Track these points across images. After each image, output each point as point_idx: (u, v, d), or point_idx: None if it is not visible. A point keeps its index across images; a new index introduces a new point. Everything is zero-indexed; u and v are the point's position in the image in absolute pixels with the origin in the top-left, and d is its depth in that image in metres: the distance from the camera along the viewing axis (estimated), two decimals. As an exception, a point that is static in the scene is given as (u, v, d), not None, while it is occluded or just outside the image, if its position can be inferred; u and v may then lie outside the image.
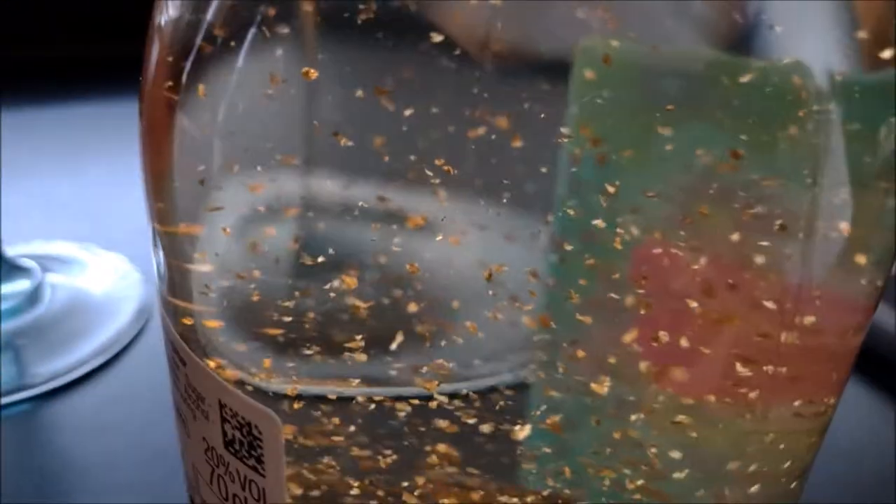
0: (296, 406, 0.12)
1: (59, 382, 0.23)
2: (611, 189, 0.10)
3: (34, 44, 0.43)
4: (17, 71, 0.36)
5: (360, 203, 0.11)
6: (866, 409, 0.25)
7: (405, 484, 0.12)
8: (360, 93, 0.10)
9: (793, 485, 0.13)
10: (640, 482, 0.12)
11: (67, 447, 0.23)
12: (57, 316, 0.25)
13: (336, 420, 0.12)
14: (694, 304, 0.11)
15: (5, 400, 0.23)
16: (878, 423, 0.25)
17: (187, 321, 0.12)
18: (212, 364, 0.12)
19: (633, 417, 0.12)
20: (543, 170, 0.11)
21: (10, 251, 0.27)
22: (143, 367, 0.24)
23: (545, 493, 0.12)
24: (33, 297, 0.25)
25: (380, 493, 0.12)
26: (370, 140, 0.11)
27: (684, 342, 0.11)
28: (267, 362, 0.11)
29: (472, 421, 0.12)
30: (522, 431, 0.12)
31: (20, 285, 0.25)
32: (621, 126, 0.10)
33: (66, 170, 0.37)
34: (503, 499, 0.12)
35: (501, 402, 0.12)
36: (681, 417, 0.12)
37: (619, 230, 0.11)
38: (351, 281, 0.11)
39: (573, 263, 0.11)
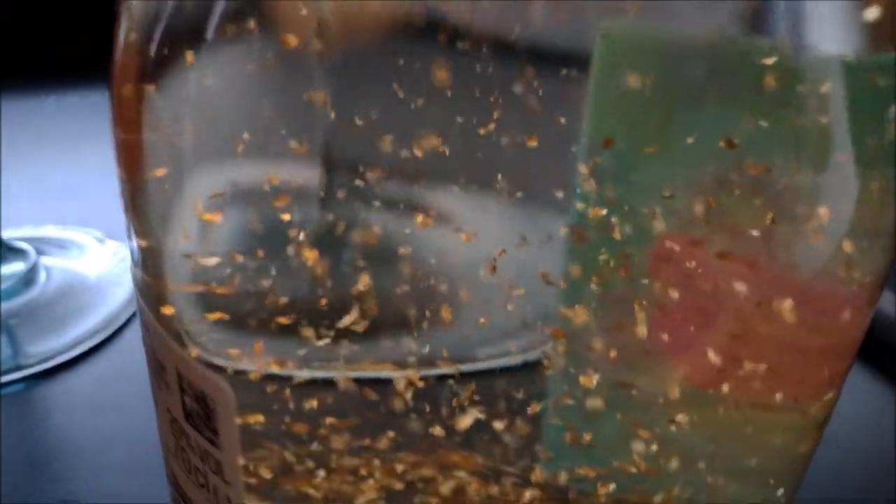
0: (256, 382, 0.11)
1: (52, 363, 0.23)
2: (629, 178, 0.10)
3: (33, 34, 0.43)
4: (16, 58, 0.36)
5: (355, 183, 0.11)
6: (869, 398, 0.25)
7: (375, 465, 0.12)
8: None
9: (780, 491, 0.13)
10: (631, 478, 0.12)
11: (61, 427, 0.23)
12: (51, 298, 0.25)
13: (308, 402, 0.12)
14: (708, 296, 0.11)
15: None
16: (881, 412, 0.24)
17: (167, 310, 0.12)
18: (193, 353, 0.12)
19: (631, 410, 0.11)
20: (558, 159, 0.10)
21: (9, 234, 0.27)
22: (136, 349, 0.24)
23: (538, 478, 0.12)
24: (27, 278, 0.25)
25: (348, 475, 0.12)
26: (358, 122, 0.11)
27: (683, 333, 0.11)
28: (257, 346, 0.11)
29: (459, 406, 0.11)
30: (464, 420, 0.11)
31: (14, 267, 0.25)
32: (642, 113, 0.10)
33: (69, 155, 0.37)
34: (472, 478, 0.12)
35: (486, 390, 0.11)
36: (679, 416, 0.12)
37: (636, 221, 0.10)
38: (311, 255, 0.11)
39: (588, 254, 0.11)
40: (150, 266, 0.13)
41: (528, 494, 0.12)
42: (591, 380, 0.11)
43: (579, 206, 0.11)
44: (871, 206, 0.11)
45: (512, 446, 0.12)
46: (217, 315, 0.12)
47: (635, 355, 0.11)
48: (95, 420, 0.23)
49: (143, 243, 0.12)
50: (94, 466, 0.22)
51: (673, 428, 0.12)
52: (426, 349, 0.11)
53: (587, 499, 0.12)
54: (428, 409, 0.12)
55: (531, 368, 0.12)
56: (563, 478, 0.12)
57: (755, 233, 0.11)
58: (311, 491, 0.12)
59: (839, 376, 0.12)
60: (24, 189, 0.32)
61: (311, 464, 0.12)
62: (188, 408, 0.12)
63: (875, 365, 0.26)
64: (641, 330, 0.11)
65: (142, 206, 0.12)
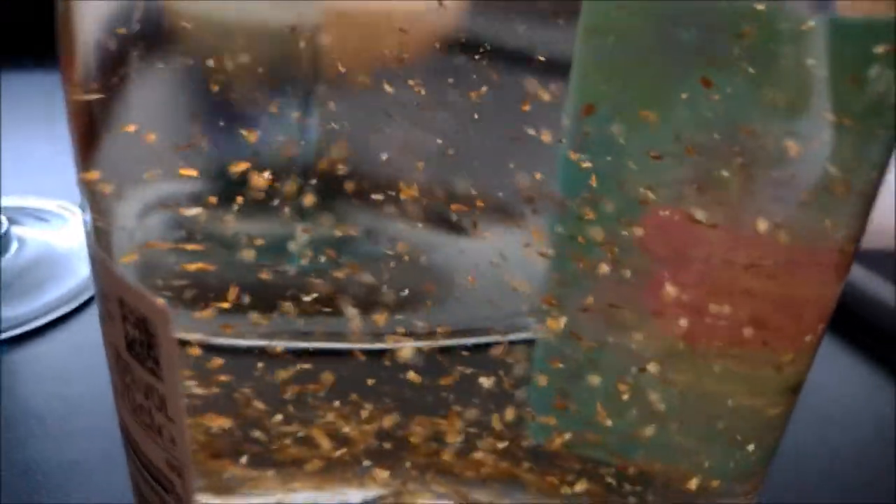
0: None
1: (20, 331, 0.23)
2: (614, 142, 0.10)
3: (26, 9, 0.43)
4: (10, 34, 0.36)
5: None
6: (867, 385, 0.25)
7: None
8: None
9: (750, 446, 0.13)
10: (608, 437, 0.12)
11: (26, 395, 0.22)
12: (23, 267, 0.25)
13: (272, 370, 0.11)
14: (687, 248, 0.11)
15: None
16: (879, 400, 0.24)
17: (128, 259, 0.12)
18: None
19: (610, 368, 0.11)
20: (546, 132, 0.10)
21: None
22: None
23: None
24: (-3, 246, 0.25)
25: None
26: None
27: (665, 287, 0.11)
28: (232, 292, 0.11)
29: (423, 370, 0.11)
30: (404, 351, 0.11)
31: (-16, 235, 0.25)
32: (627, 76, 0.10)
33: (58, 131, 0.36)
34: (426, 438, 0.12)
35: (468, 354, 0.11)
36: (653, 367, 0.11)
37: (621, 184, 0.10)
38: (260, 179, 0.11)
39: (574, 218, 0.11)
40: (107, 219, 0.12)
41: (499, 446, 0.12)
42: (579, 342, 0.11)
43: (566, 170, 0.10)
44: (847, 163, 0.11)
45: (497, 408, 0.12)
46: (199, 265, 0.11)
47: (620, 313, 0.11)
48: (61, 388, 0.23)
49: (107, 190, 0.12)
50: (56, 434, 0.21)
51: (647, 381, 0.11)
52: (405, 318, 0.11)
53: (561, 456, 0.12)
54: (403, 373, 0.11)
55: (518, 340, 0.12)
56: (545, 437, 0.12)
57: (734, 185, 0.10)
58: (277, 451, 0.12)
59: (809, 328, 0.12)
60: (24, 161, 0.32)
61: (278, 427, 0.12)
62: (130, 336, 0.11)
63: (873, 354, 0.25)
64: (621, 280, 0.11)
65: (104, 163, 0.12)
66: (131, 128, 0.11)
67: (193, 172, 0.11)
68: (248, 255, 0.11)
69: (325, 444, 0.12)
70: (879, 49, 0.10)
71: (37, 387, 0.22)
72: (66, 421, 0.22)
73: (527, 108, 0.10)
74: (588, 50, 0.10)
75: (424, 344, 0.11)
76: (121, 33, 0.11)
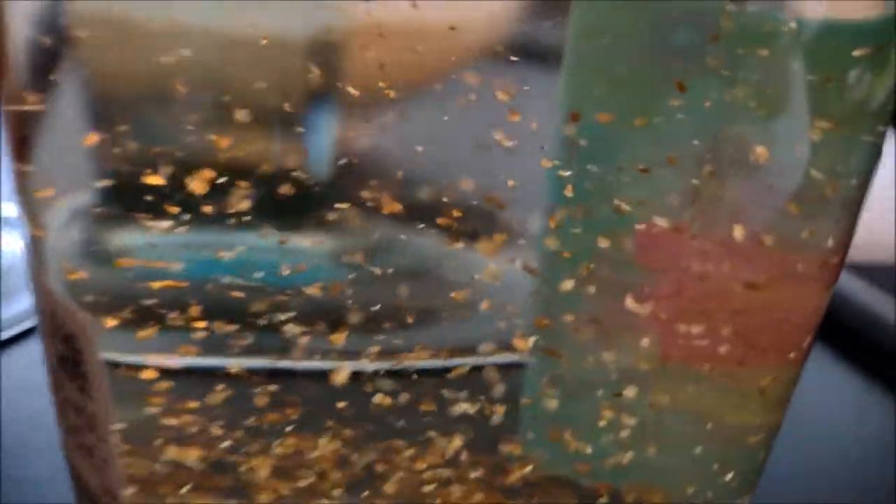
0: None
1: (-10, 340, 0.22)
2: (602, 152, 0.10)
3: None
4: None
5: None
6: (867, 401, 0.24)
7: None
8: None
9: (729, 476, 0.12)
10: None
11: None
12: (-6, 275, 0.24)
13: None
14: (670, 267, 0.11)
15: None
16: (880, 415, 0.24)
17: (74, 274, 0.11)
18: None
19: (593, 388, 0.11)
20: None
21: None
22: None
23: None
24: (-31, 253, 0.24)
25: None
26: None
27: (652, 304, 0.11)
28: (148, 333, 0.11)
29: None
30: (340, 375, 0.11)
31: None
32: (620, 83, 0.10)
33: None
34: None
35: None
36: (629, 391, 0.11)
37: (610, 196, 0.10)
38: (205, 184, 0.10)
39: (564, 234, 0.10)
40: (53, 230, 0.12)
41: (483, 474, 0.11)
42: (563, 362, 0.11)
43: (554, 180, 0.10)
44: (831, 170, 0.11)
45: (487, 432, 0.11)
46: (167, 283, 0.11)
47: (611, 330, 0.11)
48: (26, 400, 0.22)
49: (45, 200, 0.12)
50: (17, 444, 0.21)
51: (641, 404, 0.11)
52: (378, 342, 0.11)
53: (550, 483, 0.12)
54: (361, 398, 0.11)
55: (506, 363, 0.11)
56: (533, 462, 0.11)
57: (725, 194, 0.10)
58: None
59: (791, 346, 0.12)
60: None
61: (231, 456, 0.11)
62: (60, 352, 0.11)
63: (873, 369, 0.25)
64: (612, 296, 0.11)
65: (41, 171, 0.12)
66: (94, 139, 0.11)
67: (158, 180, 0.10)
68: (208, 269, 0.11)
69: (293, 473, 0.11)
70: (861, 52, 0.10)
71: (2, 399, 0.22)
72: (27, 434, 0.21)
73: (516, 118, 0.10)
74: (579, 54, 0.10)
75: (402, 365, 0.11)
76: (54, 34, 0.10)
